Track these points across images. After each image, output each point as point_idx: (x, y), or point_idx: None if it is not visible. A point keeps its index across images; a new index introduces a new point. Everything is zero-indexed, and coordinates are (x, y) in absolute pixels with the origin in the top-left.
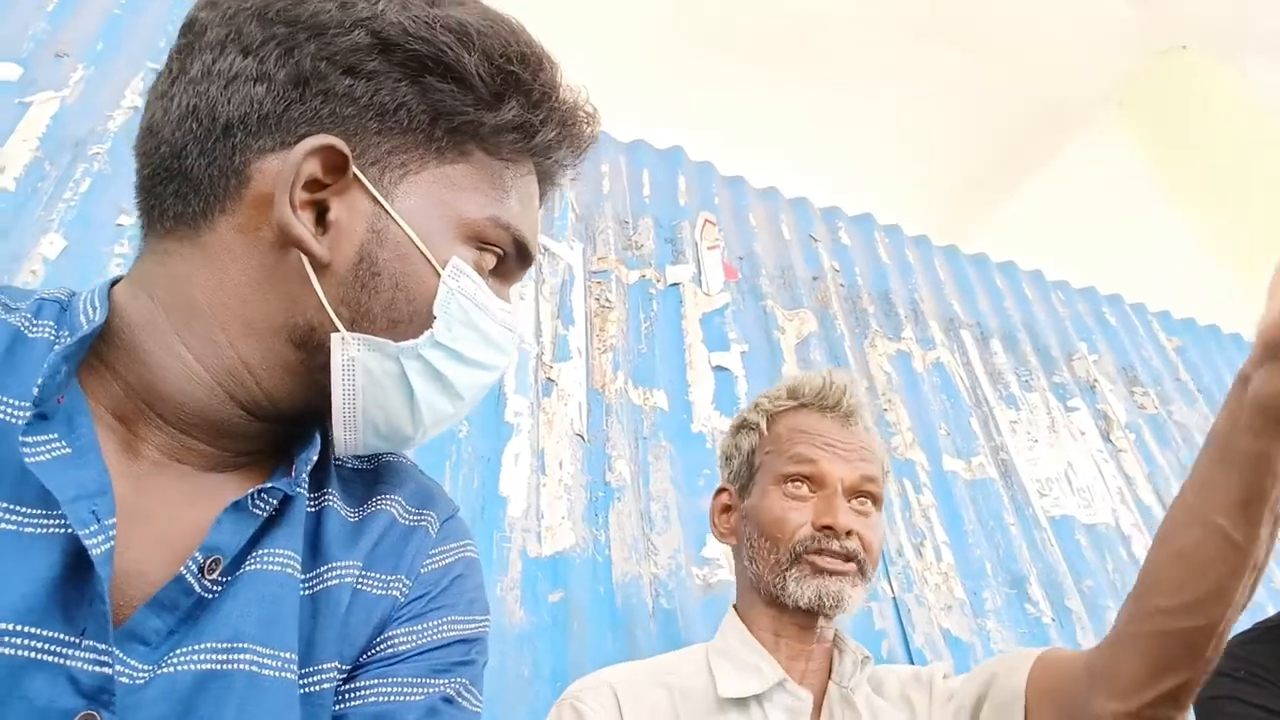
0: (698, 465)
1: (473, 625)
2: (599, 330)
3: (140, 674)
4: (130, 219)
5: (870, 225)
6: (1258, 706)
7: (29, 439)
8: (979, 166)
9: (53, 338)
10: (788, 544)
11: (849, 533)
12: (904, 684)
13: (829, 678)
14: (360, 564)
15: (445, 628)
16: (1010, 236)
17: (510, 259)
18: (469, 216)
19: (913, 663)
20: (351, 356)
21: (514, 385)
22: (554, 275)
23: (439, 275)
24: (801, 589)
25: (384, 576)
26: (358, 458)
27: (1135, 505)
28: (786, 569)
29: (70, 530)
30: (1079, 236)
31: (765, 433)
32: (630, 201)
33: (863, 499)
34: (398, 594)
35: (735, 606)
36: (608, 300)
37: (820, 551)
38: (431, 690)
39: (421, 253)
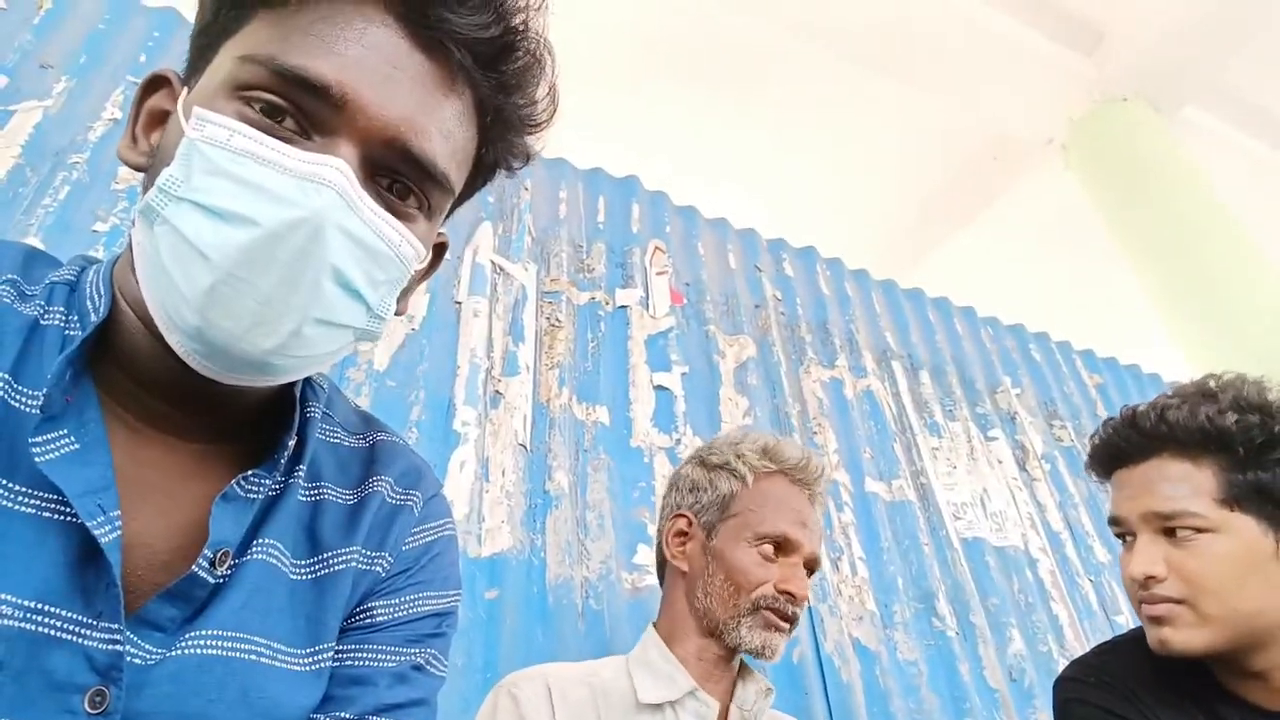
0: (634, 478)
1: (445, 600)
2: (548, 348)
3: (153, 656)
4: (105, 225)
5: (813, 258)
6: (1098, 707)
7: (37, 439)
8: (924, 204)
9: (62, 324)
10: (750, 595)
11: (804, 599)
12: None
13: (730, 700)
14: (360, 547)
15: (420, 603)
16: (950, 273)
17: (305, 103)
18: (227, 69)
19: (822, 668)
20: (139, 240)
21: (464, 397)
22: (508, 294)
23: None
24: (753, 636)
25: (370, 553)
26: (352, 435)
27: (1044, 530)
28: (744, 615)
29: (80, 520)
30: (1016, 275)
31: (749, 486)
32: (585, 226)
33: (810, 569)
34: (380, 570)
35: (655, 625)
36: (558, 320)
37: (775, 610)
38: (404, 659)
39: (178, 120)
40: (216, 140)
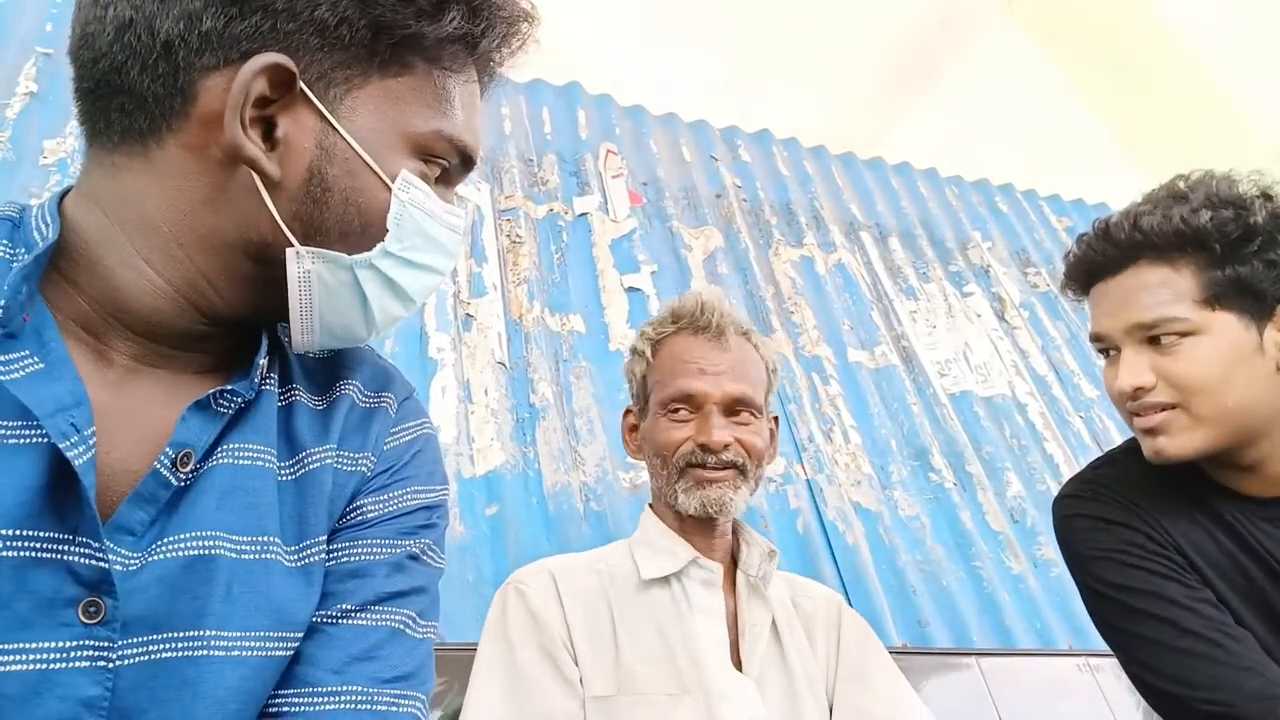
0: (617, 381)
1: (433, 494)
2: (512, 265)
3: (132, 561)
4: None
5: (769, 140)
6: (1095, 518)
7: (0, 358)
8: (879, 82)
9: (8, 255)
10: (673, 460)
11: (726, 445)
12: (814, 619)
13: (734, 563)
14: (335, 447)
15: (408, 497)
16: (914, 146)
17: (454, 166)
18: (415, 130)
19: (827, 535)
20: (307, 269)
21: (435, 324)
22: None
23: (389, 189)
24: (689, 499)
25: (352, 454)
26: None
27: (1029, 375)
28: (676, 481)
29: (51, 440)
30: (977, 138)
31: (652, 360)
32: (532, 139)
33: (739, 412)
34: (365, 470)
35: (651, 505)
36: (518, 235)
37: (701, 465)
38: (399, 550)
39: (370, 168)
40: (417, 203)
